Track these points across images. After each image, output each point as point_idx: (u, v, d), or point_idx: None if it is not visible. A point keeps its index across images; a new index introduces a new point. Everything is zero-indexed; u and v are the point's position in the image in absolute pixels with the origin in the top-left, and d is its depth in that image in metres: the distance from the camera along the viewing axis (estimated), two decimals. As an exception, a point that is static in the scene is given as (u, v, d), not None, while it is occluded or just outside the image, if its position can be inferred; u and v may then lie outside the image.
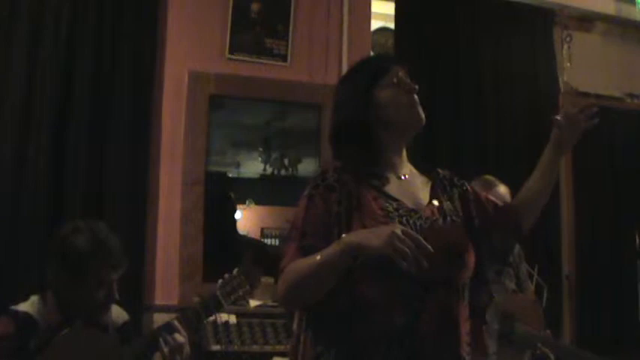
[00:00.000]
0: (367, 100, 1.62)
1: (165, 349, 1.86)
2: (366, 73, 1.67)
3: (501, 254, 1.65)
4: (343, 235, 1.42)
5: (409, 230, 1.38)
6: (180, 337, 1.88)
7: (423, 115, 1.62)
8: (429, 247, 1.35)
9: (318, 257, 1.42)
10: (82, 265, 1.83)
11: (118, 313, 2.01)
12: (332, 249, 1.41)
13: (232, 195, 4.51)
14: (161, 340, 1.87)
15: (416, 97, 1.63)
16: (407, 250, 1.33)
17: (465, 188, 1.71)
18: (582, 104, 1.74)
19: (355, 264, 1.41)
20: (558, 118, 1.70)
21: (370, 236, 1.38)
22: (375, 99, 1.62)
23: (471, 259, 1.55)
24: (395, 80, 1.62)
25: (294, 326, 1.60)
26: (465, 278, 1.54)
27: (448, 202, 1.64)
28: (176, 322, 1.91)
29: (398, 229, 1.36)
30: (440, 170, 1.73)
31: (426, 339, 1.44)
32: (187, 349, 1.93)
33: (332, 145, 1.67)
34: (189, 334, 1.94)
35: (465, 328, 1.52)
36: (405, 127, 1.64)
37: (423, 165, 1.73)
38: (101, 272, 1.86)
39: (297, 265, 1.46)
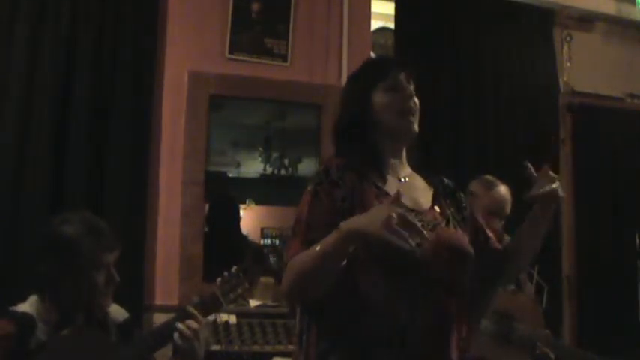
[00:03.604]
0: (365, 102, 1.62)
1: (179, 339, 1.79)
2: (367, 75, 1.67)
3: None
4: (341, 224, 1.42)
5: (404, 213, 1.36)
6: (194, 323, 1.83)
7: (414, 125, 1.63)
8: (423, 231, 1.37)
9: (318, 247, 1.42)
10: (75, 251, 1.81)
11: (117, 312, 2.00)
12: (331, 238, 1.41)
13: (234, 196, 4.52)
14: (175, 330, 1.80)
15: (414, 102, 1.63)
16: (403, 231, 1.32)
17: (464, 206, 1.71)
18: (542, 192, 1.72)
19: (355, 254, 1.41)
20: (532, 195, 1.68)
21: (366, 222, 1.37)
22: (372, 102, 1.62)
23: (473, 263, 1.55)
24: (392, 85, 1.62)
25: (296, 325, 1.59)
26: (466, 281, 1.55)
27: (451, 210, 1.65)
28: (191, 308, 1.85)
29: (393, 212, 1.34)
30: (445, 179, 1.73)
31: (422, 336, 1.44)
32: (205, 332, 1.88)
33: (334, 143, 1.69)
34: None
35: (459, 330, 1.52)
36: (396, 134, 1.64)
37: (422, 165, 1.73)
38: (95, 255, 1.83)
39: (300, 258, 1.46)
